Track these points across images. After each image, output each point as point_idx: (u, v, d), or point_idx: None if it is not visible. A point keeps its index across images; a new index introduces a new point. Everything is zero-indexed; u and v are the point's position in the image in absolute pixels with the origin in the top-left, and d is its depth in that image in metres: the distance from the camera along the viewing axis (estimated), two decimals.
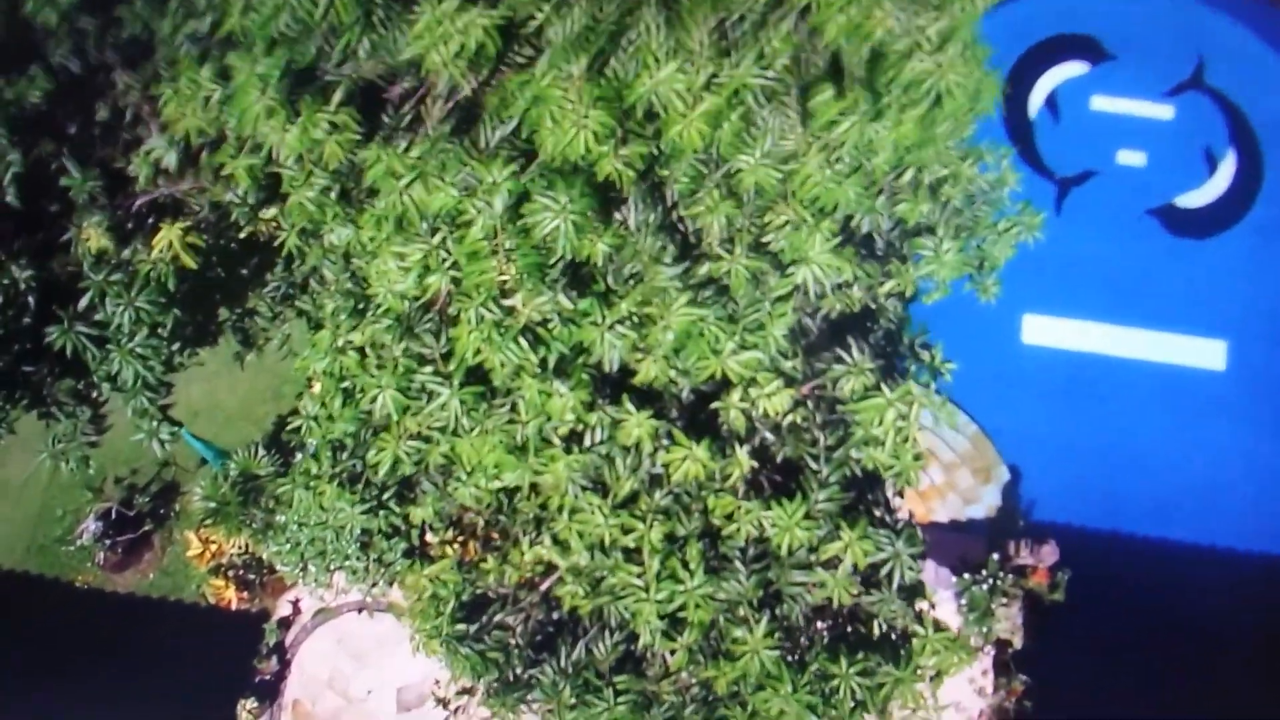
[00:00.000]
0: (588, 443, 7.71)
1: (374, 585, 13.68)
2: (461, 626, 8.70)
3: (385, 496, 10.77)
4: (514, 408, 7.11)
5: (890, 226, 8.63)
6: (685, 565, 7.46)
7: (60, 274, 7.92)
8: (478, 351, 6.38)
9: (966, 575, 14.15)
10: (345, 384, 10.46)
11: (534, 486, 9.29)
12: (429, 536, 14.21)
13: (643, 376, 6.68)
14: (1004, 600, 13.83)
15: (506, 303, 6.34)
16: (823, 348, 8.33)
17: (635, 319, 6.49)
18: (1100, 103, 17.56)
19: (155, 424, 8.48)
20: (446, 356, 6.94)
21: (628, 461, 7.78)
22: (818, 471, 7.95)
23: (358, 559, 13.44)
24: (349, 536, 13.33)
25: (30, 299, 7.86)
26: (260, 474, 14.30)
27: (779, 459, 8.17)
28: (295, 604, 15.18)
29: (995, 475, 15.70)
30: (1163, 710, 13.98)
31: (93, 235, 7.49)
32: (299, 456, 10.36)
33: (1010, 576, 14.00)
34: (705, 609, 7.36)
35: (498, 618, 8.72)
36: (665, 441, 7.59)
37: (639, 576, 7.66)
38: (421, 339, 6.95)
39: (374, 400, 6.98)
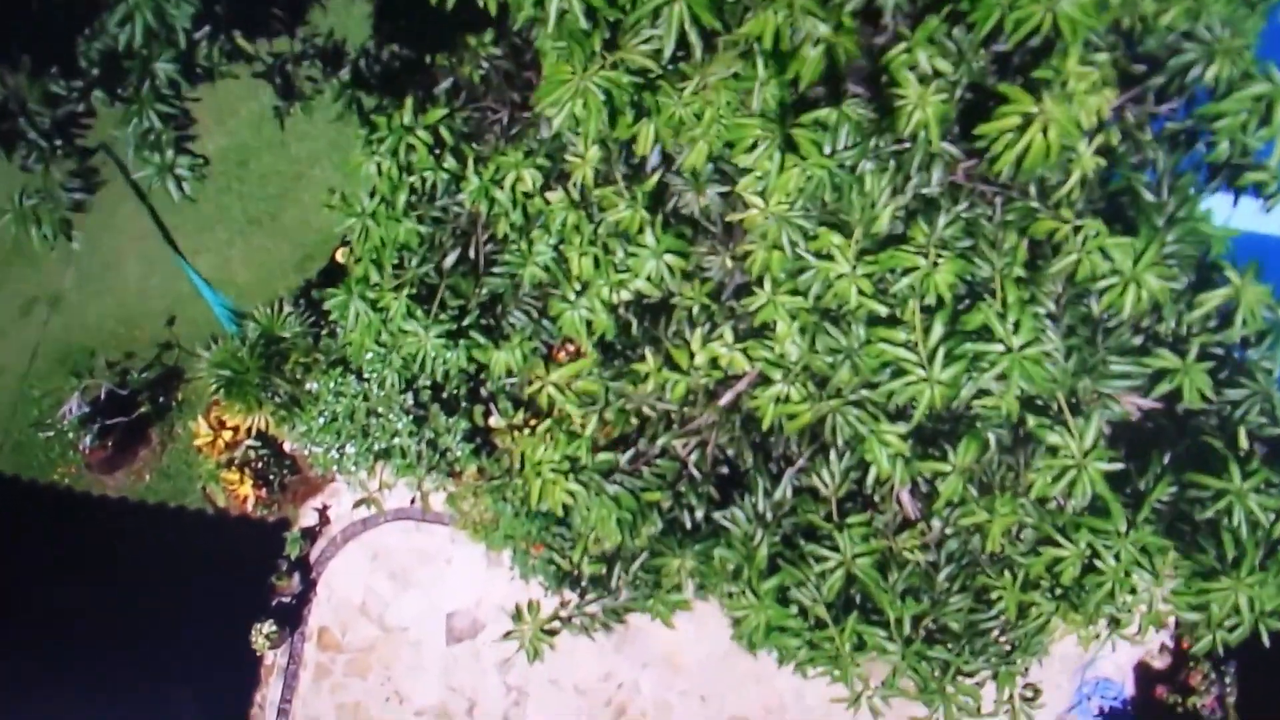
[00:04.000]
0: (827, 151, 5.14)
1: (430, 470, 11.02)
2: (608, 455, 6.09)
3: (466, 323, 8.09)
4: (746, 55, 4.53)
5: None
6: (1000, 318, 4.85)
7: None
8: None
9: None
10: (413, 179, 7.93)
11: (696, 271, 6.73)
12: (494, 420, 11.63)
13: None
14: None
15: None
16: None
17: None
18: None
19: (170, 155, 5.82)
20: None
21: (882, 181, 5.19)
22: (1161, 204, 5.39)
23: (410, 435, 10.73)
24: (399, 407, 10.64)
25: None
26: (285, 336, 11.66)
27: None
28: (323, 511, 12.52)
29: None
30: None
31: None
32: (355, 264, 7.77)
33: None
34: (1042, 368, 4.76)
35: (660, 442, 6.11)
36: (950, 149, 5.01)
37: (909, 348, 5.07)
38: None
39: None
